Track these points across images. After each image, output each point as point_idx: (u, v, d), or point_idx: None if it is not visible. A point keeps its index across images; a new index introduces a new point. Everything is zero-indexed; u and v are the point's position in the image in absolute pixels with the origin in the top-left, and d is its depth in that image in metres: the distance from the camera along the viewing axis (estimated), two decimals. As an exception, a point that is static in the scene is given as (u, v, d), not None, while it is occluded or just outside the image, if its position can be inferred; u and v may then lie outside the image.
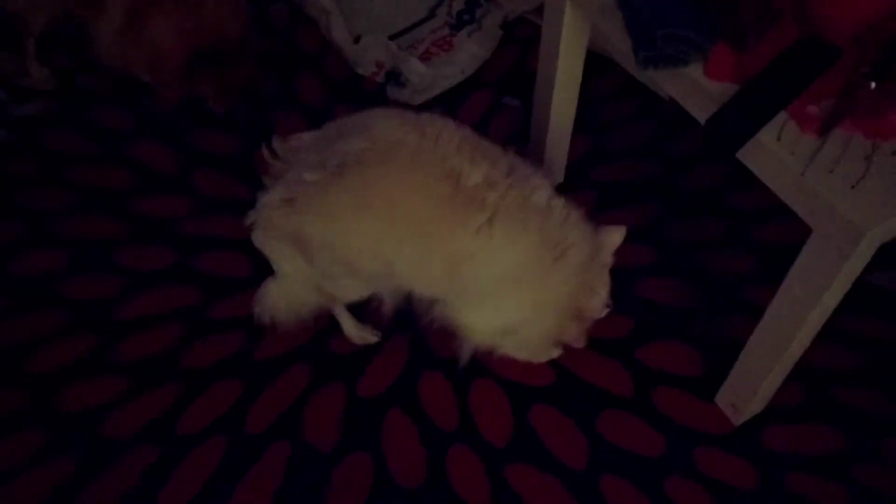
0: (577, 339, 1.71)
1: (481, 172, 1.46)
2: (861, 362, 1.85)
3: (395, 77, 2.39)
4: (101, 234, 2.06)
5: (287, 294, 1.71)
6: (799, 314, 1.42)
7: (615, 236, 1.65)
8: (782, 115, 1.32)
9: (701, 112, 1.38)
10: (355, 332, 1.84)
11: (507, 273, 1.53)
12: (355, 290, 1.72)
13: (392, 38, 2.48)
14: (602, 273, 1.66)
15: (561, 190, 2.14)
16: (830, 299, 1.37)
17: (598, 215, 2.07)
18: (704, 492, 1.66)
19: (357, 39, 2.44)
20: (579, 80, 1.94)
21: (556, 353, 1.80)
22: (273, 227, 1.58)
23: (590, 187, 2.20)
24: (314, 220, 1.51)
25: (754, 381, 1.65)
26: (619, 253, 1.67)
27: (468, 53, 2.46)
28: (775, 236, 2.03)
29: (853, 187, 1.22)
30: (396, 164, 1.46)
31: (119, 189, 2.16)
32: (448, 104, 2.38)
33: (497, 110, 2.37)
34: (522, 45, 2.52)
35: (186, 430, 1.73)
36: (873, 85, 1.30)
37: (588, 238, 1.60)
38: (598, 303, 1.66)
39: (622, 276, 1.97)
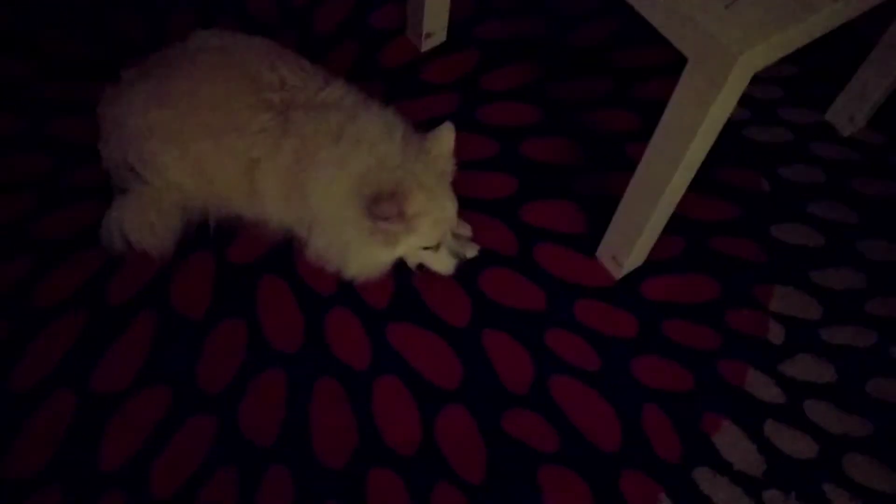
0: (437, 260, 1.60)
1: (277, 76, 1.56)
2: (735, 212, 1.88)
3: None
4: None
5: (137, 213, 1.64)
6: (674, 154, 1.40)
7: (443, 134, 1.51)
8: (659, -61, 1.25)
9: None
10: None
11: (290, 163, 1.52)
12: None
13: None
14: (441, 181, 1.53)
15: (444, 50, 2.10)
16: (705, 134, 1.35)
17: (483, 74, 2.05)
18: (584, 341, 1.67)
19: None
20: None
21: (388, 255, 1.59)
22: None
23: (473, 46, 2.11)
24: (129, 114, 1.59)
25: (632, 233, 1.64)
26: (456, 155, 1.55)
27: None
28: (658, 93, 1.98)
29: (727, 7, 1.18)
30: (200, 64, 1.58)
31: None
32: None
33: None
34: None
35: (41, 302, 1.61)
36: None
37: (389, 125, 1.52)
38: (443, 209, 1.52)
39: (506, 134, 1.94)
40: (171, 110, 1.55)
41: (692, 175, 1.49)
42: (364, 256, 1.56)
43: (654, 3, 1.25)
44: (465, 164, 1.82)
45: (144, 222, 1.63)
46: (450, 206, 1.55)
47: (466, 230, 1.77)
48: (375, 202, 1.44)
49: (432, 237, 1.54)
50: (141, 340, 1.58)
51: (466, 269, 1.72)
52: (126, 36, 2.00)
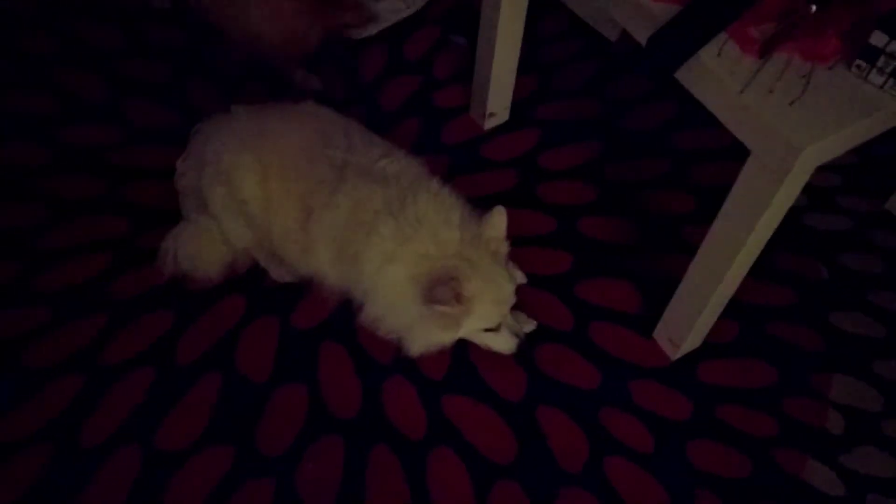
0: (498, 341, 1.61)
1: (345, 139, 1.66)
2: (793, 299, 1.88)
3: (338, 10, 2.32)
4: (25, 161, 1.97)
5: (194, 241, 1.76)
6: (735, 241, 1.42)
7: (495, 218, 1.54)
8: (723, 37, 1.31)
9: (644, 34, 1.35)
10: (273, 269, 1.81)
11: (343, 221, 1.57)
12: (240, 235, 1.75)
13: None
14: (496, 261, 1.55)
15: (505, 128, 2.16)
16: (766, 224, 1.37)
17: (542, 153, 2.11)
18: (639, 422, 1.67)
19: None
20: (523, 18, 1.90)
21: (449, 337, 1.59)
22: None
23: (534, 125, 2.17)
24: (224, 150, 1.70)
25: (690, 315, 1.65)
26: (510, 233, 1.57)
27: (414, -12, 2.41)
28: (715, 177, 2.04)
29: (791, 104, 1.22)
30: (291, 120, 1.72)
31: (46, 115, 2.06)
32: (393, 40, 2.32)
33: (443, 47, 2.33)
34: (470, -17, 2.47)
35: (112, 359, 1.67)
36: (814, 8, 1.30)
37: (448, 207, 1.56)
38: (500, 290, 1.55)
39: (564, 213, 1.98)
40: (257, 153, 1.66)
41: (752, 261, 1.51)
42: (425, 338, 1.59)
43: (719, 96, 1.30)
44: (523, 240, 1.87)
45: (197, 252, 1.74)
46: (507, 286, 1.57)
47: (521, 277, 1.81)
48: (431, 287, 1.47)
49: (492, 318, 1.57)
50: (206, 400, 1.63)
51: (525, 342, 1.74)
52: (200, 105, 2.10)
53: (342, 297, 1.72)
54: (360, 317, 1.64)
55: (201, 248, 1.75)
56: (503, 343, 1.62)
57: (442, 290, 1.46)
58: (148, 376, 1.66)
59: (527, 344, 1.65)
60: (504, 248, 1.59)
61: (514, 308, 1.63)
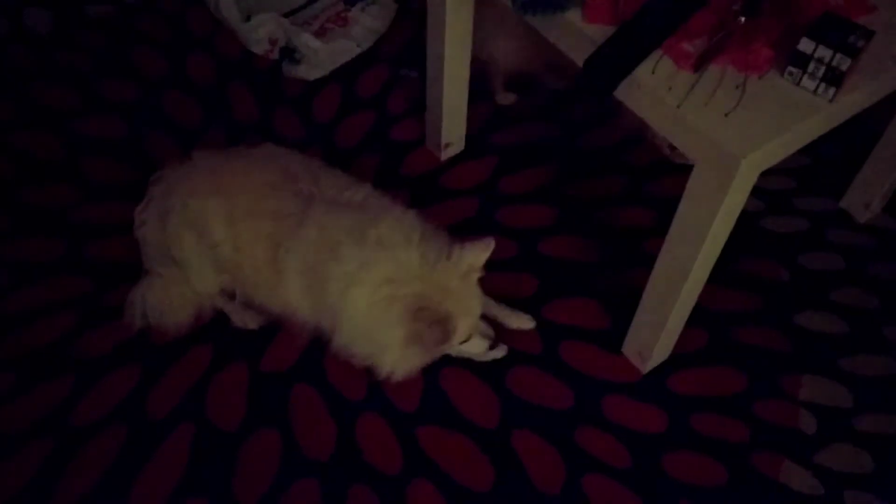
0: (471, 346, 1.65)
1: (311, 175, 1.68)
2: (757, 303, 1.90)
3: (289, 54, 2.35)
4: (-18, 228, 1.96)
5: (160, 293, 1.75)
6: (689, 251, 1.44)
7: (480, 248, 1.55)
8: (658, 54, 1.33)
9: (580, 55, 1.38)
10: (237, 316, 1.81)
11: (311, 250, 1.58)
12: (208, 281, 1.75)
13: (286, 15, 2.43)
14: (467, 283, 1.55)
15: (463, 157, 2.18)
16: (717, 232, 1.39)
17: (500, 179, 2.12)
18: (614, 439, 1.67)
19: (248, 17, 2.38)
20: (469, 48, 1.93)
21: (423, 358, 1.60)
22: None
23: (491, 153, 2.20)
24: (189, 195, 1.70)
25: (655, 328, 1.67)
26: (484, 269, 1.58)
27: (363, 27, 2.43)
28: (671, 189, 2.04)
29: (727, 115, 1.24)
30: (254, 160, 1.74)
31: (2, 178, 2.06)
32: (345, 79, 2.35)
33: (395, 82, 2.35)
34: (418, 17, 2.50)
35: (83, 420, 1.66)
36: (743, 20, 1.33)
37: (407, 229, 1.56)
38: (472, 310, 1.58)
39: (526, 236, 2.00)
40: (224, 195, 1.67)
41: (709, 269, 1.53)
42: (401, 359, 1.59)
43: (658, 112, 1.32)
44: (489, 264, 1.87)
45: (165, 303, 1.74)
46: (475, 305, 1.59)
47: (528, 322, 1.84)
48: (424, 335, 1.48)
49: (466, 334, 1.59)
50: (179, 454, 1.62)
51: (494, 370, 1.75)
52: (158, 158, 2.10)
53: (313, 334, 1.72)
54: (331, 346, 1.64)
55: (169, 299, 1.75)
56: (476, 347, 1.67)
57: (437, 330, 1.48)
58: (119, 434, 1.64)
59: (494, 365, 1.65)
60: (476, 275, 1.59)
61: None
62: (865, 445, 1.68)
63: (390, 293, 1.51)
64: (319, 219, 1.60)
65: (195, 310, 1.77)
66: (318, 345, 1.75)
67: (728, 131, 1.24)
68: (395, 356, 1.54)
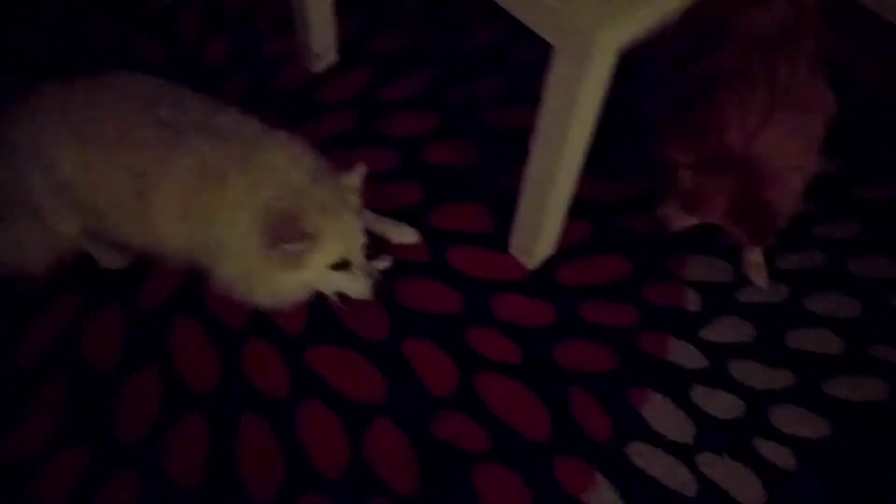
0: (351, 283, 1.55)
1: (171, 98, 1.56)
2: (637, 190, 1.90)
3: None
4: None
5: (14, 239, 1.62)
6: (557, 138, 1.41)
7: (355, 172, 1.52)
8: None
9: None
10: (103, 256, 1.72)
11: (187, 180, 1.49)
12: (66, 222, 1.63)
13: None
14: (345, 202, 1.50)
15: (338, 69, 2.09)
16: (583, 116, 1.36)
17: (378, 87, 2.05)
18: (504, 336, 1.67)
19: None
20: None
21: (297, 279, 1.51)
22: None
23: (367, 62, 2.11)
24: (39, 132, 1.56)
25: (536, 223, 1.65)
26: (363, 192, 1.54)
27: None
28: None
29: (576, -9, 1.20)
30: (104, 87, 1.59)
31: None
32: (207, -4, 2.22)
33: (260, -3, 2.23)
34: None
35: (-53, 378, 1.57)
36: None
37: (296, 154, 1.50)
38: (345, 225, 1.49)
39: (408, 144, 1.94)
40: (74, 128, 1.55)
41: (580, 158, 1.51)
42: (272, 283, 1.53)
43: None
44: (370, 178, 1.82)
45: (21, 249, 1.62)
46: (353, 221, 1.53)
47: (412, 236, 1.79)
48: (272, 228, 1.42)
49: (336, 252, 1.53)
50: (55, 401, 1.55)
51: (381, 282, 1.71)
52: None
53: (187, 266, 1.64)
54: (211, 280, 1.57)
55: (24, 245, 1.64)
56: (357, 285, 1.58)
57: (283, 228, 1.41)
58: (-11, 388, 1.56)
59: (384, 284, 1.61)
60: (356, 199, 1.55)
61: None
62: (747, 316, 1.71)
63: (265, 210, 1.44)
64: (195, 148, 1.51)
65: (55, 254, 1.66)
66: (195, 277, 1.69)
67: (582, 10, 1.19)
68: (265, 278, 1.49)
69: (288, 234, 1.42)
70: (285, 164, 1.49)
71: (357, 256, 1.56)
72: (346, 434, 1.54)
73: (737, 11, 1.56)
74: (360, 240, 1.55)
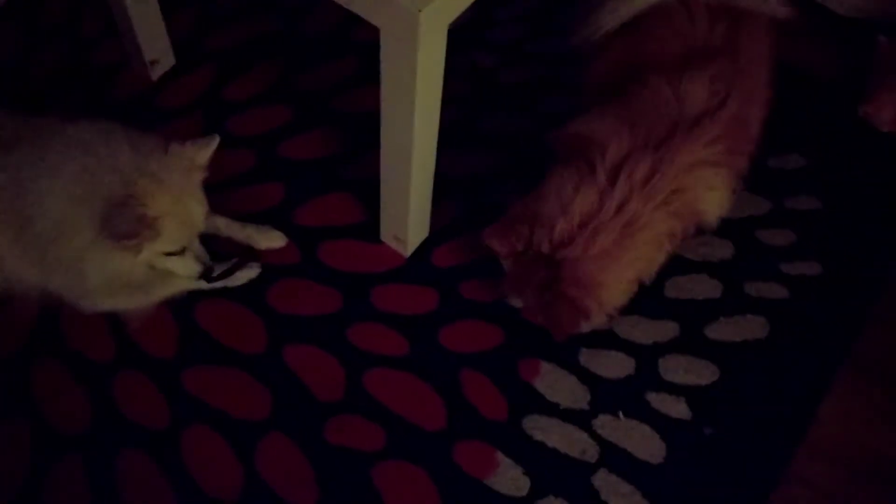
0: (181, 265, 1.47)
1: None
2: (501, 159, 1.88)
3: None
4: None
5: None
6: (403, 123, 1.37)
7: (205, 143, 1.44)
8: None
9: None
10: None
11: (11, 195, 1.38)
12: None
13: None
14: (188, 182, 1.42)
15: (176, 72, 1.98)
16: (426, 95, 1.32)
17: (223, 86, 1.95)
18: (388, 328, 1.63)
19: None
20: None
21: (129, 263, 1.42)
22: None
23: (207, 60, 2.00)
24: None
25: (402, 207, 1.61)
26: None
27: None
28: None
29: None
30: None
31: None
32: (23, 10, 2.05)
33: (84, 4, 2.07)
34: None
35: None
36: None
37: (118, 135, 1.40)
38: (188, 211, 1.41)
39: (263, 141, 1.87)
40: None
41: (433, 136, 1.47)
42: (104, 270, 1.41)
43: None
44: (227, 181, 1.74)
45: None
46: (196, 207, 1.44)
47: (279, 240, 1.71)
48: (110, 216, 1.30)
49: (178, 241, 1.43)
50: None
51: (252, 291, 1.64)
52: None
53: (38, 304, 1.53)
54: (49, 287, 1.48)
55: None
56: (186, 267, 1.48)
57: (122, 216, 1.30)
58: None
59: (212, 269, 1.51)
60: (200, 174, 1.45)
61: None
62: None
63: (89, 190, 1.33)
64: (15, 158, 1.39)
65: None
66: (50, 315, 1.58)
67: (401, -14, 1.15)
68: (96, 263, 1.38)
69: (129, 224, 1.31)
70: (92, 139, 1.38)
71: (194, 242, 1.47)
72: (236, 455, 1.47)
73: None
74: (200, 227, 1.46)
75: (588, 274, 1.41)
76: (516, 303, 1.57)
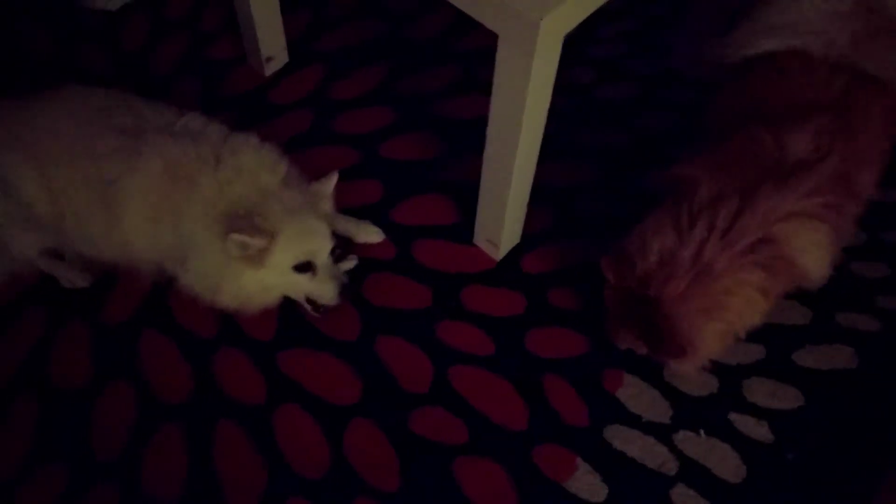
0: (318, 288, 1.56)
1: (129, 108, 1.59)
2: (595, 173, 1.91)
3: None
4: None
5: None
6: (511, 131, 1.42)
7: (327, 179, 1.58)
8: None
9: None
10: (64, 277, 1.68)
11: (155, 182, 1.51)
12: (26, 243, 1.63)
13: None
14: (311, 205, 1.54)
15: (289, 70, 2.07)
16: (535, 104, 1.36)
17: (331, 85, 2.03)
18: (475, 328, 1.67)
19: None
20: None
21: (258, 278, 1.52)
22: None
23: (317, 60, 2.09)
24: None
25: (498, 212, 1.65)
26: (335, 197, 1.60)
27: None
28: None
29: (519, -21, 1.20)
30: (58, 102, 1.59)
31: None
32: (151, 4, 2.17)
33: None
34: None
35: None
36: None
37: (266, 156, 1.54)
38: (306, 225, 1.51)
39: (365, 141, 1.94)
40: (30, 148, 1.54)
41: (537, 145, 1.51)
42: (236, 283, 1.52)
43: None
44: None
45: None
46: (318, 225, 1.53)
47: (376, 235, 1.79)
48: (230, 219, 1.44)
49: (297, 252, 1.51)
50: (26, 422, 1.52)
51: (349, 285, 1.71)
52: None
53: (153, 275, 1.63)
54: (180, 285, 1.58)
55: None
56: (324, 290, 1.56)
57: (239, 221, 1.43)
58: (-47, 417, 1.53)
59: (351, 287, 1.60)
60: (327, 205, 1.58)
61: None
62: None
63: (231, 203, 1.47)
64: (161, 150, 1.51)
65: (9, 276, 1.63)
66: (160, 289, 1.67)
67: (524, -5, 1.20)
68: (227, 275, 1.49)
69: (241, 226, 1.42)
70: (255, 166, 1.51)
71: (323, 260, 1.55)
72: (325, 436, 1.53)
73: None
74: (327, 244, 1.55)
75: (671, 316, 1.37)
76: (621, 343, 1.55)
